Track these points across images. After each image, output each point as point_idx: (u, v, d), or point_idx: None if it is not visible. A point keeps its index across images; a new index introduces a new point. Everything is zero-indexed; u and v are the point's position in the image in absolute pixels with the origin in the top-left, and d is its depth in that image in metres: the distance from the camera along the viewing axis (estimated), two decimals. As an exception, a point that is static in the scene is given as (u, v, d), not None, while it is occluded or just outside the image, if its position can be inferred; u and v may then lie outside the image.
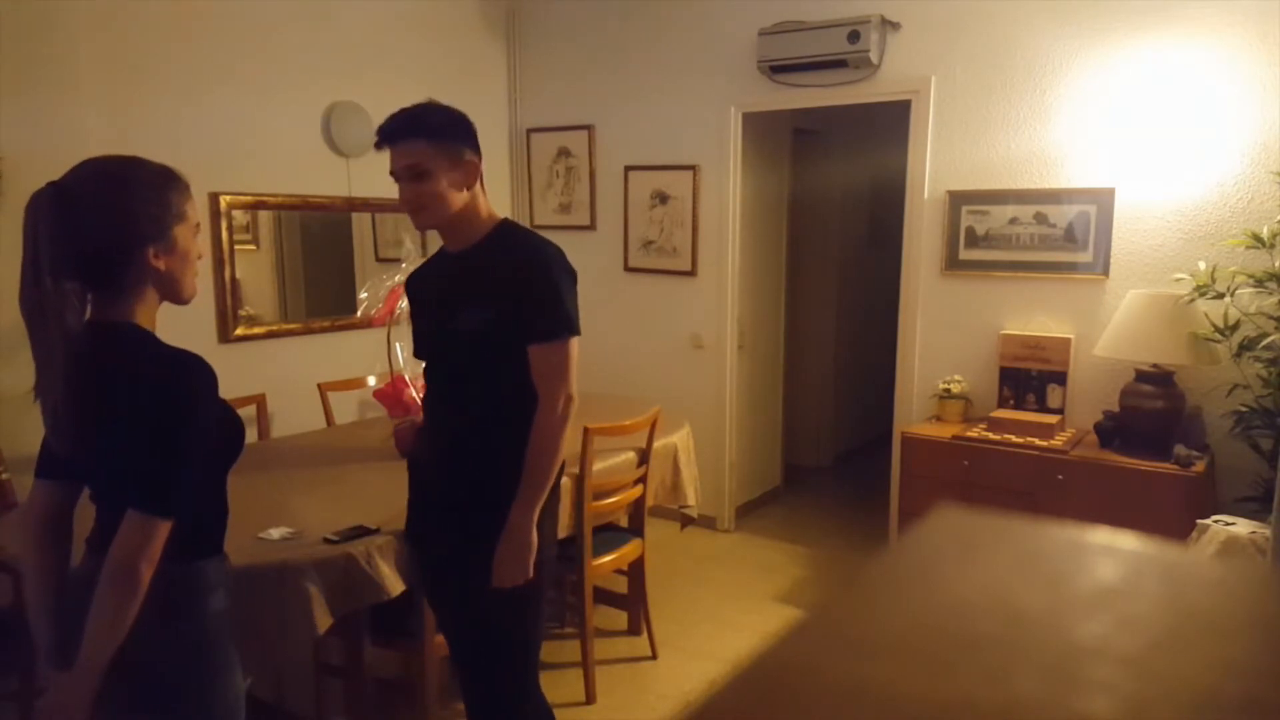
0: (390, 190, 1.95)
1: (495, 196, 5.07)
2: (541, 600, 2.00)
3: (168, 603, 1.38)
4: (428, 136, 1.84)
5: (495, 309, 1.85)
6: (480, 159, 1.93)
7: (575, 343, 1.89)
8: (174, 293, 1.46)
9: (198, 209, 1.52)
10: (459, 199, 1.88)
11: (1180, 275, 3.18)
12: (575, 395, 1.89)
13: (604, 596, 3.42)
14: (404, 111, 1.89)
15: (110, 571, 1.32)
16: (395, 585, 2.29)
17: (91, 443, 1.38)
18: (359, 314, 3.51)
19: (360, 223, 4.29)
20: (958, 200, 3.76)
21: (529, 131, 5.06)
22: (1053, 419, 3.40)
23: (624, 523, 3.30)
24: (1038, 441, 3.29)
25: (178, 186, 1.45)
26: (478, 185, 1.93)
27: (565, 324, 1.86)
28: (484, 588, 1.88)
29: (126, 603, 1.32)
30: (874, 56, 3.82)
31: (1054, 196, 3.54)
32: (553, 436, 1.87)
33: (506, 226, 1.96)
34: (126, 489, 1.34)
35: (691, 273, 4.58)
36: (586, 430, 2.82)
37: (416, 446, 2.11)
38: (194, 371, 1.38)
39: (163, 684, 1.43)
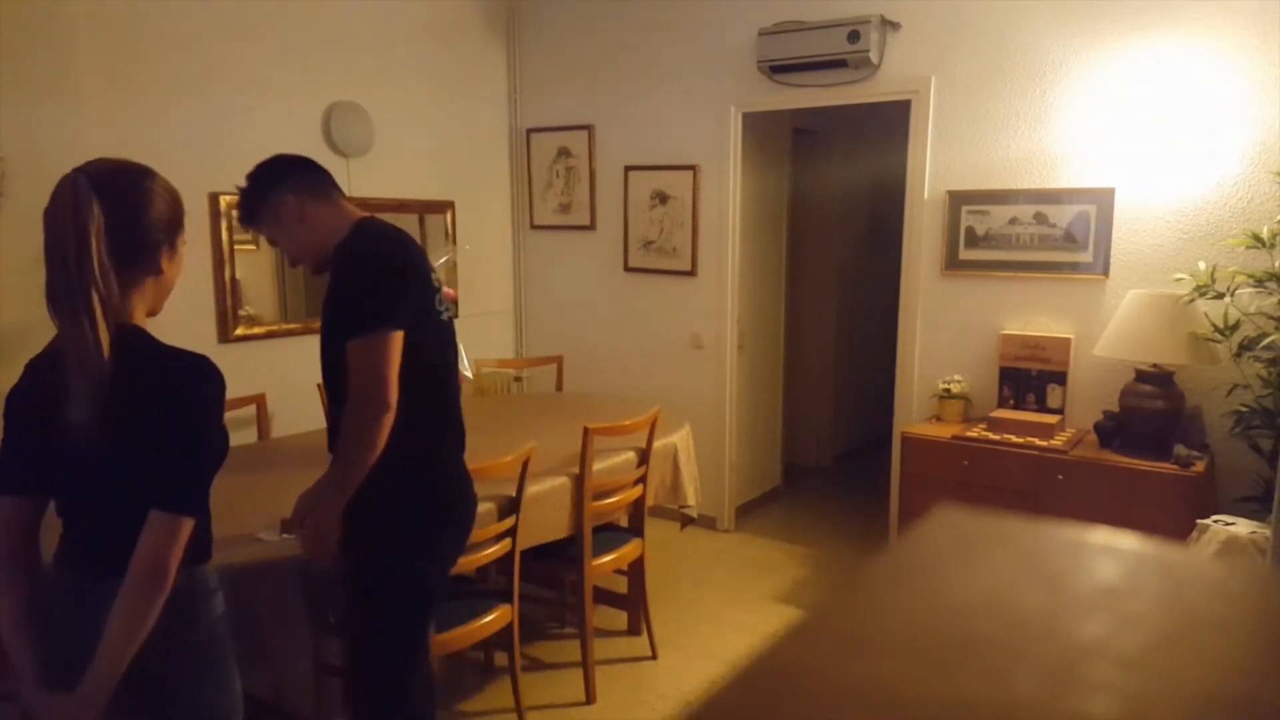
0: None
1: (495, 196, 5.12)
2: (403, 603, 2.01)
3: (175, 609, 1.37)
4: (252, 220, 2.01)
5: (330, 309, 1.92)
6: (294, 186, 1.96)
7: (384, 341, 1.83)
8: (160, 301, 1.50)
9: None
10: (303, 234, 1.98)
11: (1180, 275, 3.18)
12: (386, 398, 1.82)
13: (604, 596, 3.42)
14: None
15: (139, 572, 1.32)
16: (395, 585, 2.29)
17: (111, 444, 1.36)
18: (359, 314, 3.50)
19: (360, 223, 4.29)
20: (958, 200, 3.76)
21: (529, 131, 5.06)
22: (1053, 419, 3.40)
23: (624, 523, 3.30)
24: (1038, 441, 3.29)
25: (182, 203, 1.50)
26: (314, 206, 1.96)
27: (361, 320, 1.84)
28: (351, 570, 2.01)
29: (155, 602, 1.32)
30: (874, 56, 3.82)
31: (1054, 196, 3.54)
32: (351, 435, 1.85)
33: (352, 229, 1.95)
34: (147, 491, 1.34)
35: (691, 273, 4.58)
36: (586, 430, 2.82)
37: None
38: (214, 374, 1.42)
39: (168, 690, 1.42)
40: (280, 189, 1.96)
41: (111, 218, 1.34)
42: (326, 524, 1.90)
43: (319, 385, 3.69)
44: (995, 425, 3.44)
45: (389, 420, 1.83)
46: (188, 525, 1.36)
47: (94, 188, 1.33)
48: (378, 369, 1.82)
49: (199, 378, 1.40)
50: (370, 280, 1.88)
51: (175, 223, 1.46)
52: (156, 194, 1.43)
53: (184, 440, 1.37)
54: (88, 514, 1.42)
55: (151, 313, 1.48)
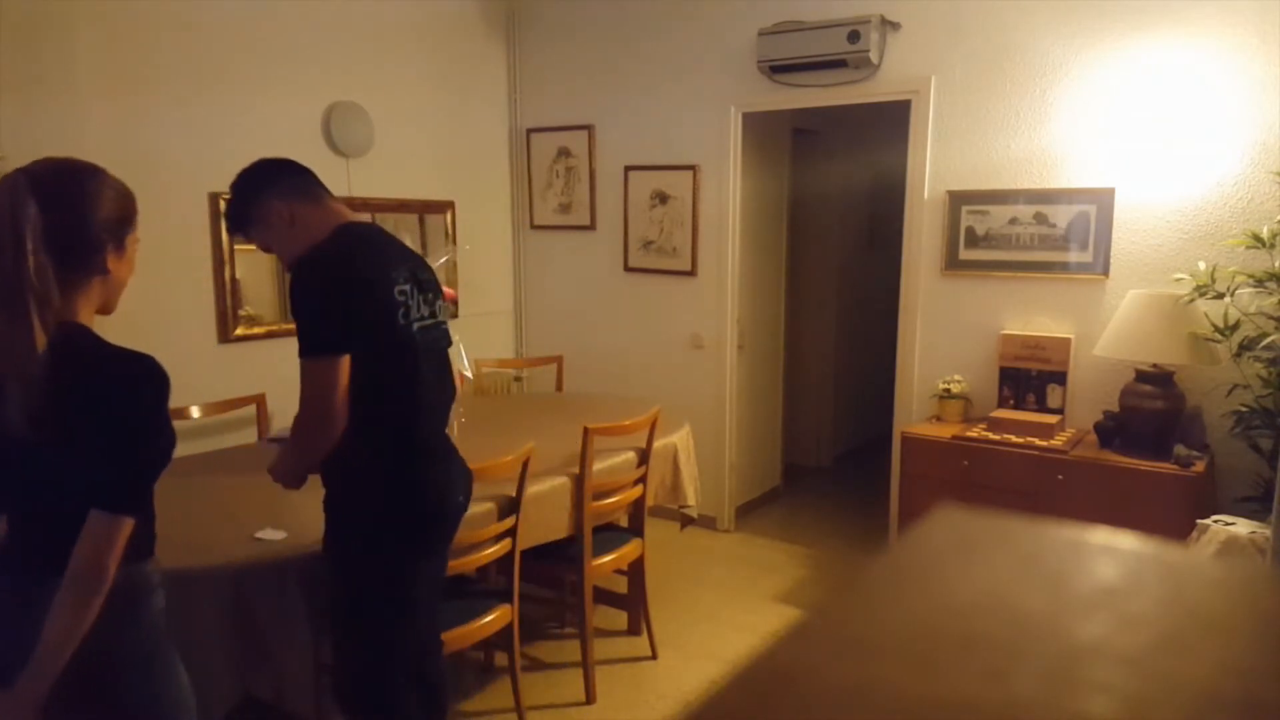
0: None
1: (495, 197, 5.12)
2: (380, 608, 2.02)
3: (117, 606, 1.37)
4: (242, 227, 2.01)
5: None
6: (282, 190, 1.95)
7: (328, 367, 1.84)
8: (111, 301, 1.48)
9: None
10: (295, 238, 1.96)
11: (1180, 275, 3.18)
12: (328, 422, 1.84)
13: (604, 596, 3.42)
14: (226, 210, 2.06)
15: (78, 572, 1.32)
16: (395, 585, 2.29)
17: (51, 444, 1.35)
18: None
19: (360, 223, 4.29)
20: (958, 200, 3.75)
21: (529, 131, 5.06)
22: (1053, 419, 3.40)
23: (624, 523, 3.29)
24: (1038, 441, 3.28)
25: (133, 201, 1.48)
26: (303, 209, 1.96)
27: (307, 343, 1.87)
28: (329, 575, 2.04)
29: (93, 602, 1.32)
30: (874, 56, 3.82)
31: (1054, 196, 3.54)
32: (293, 445, 1.92)
33: (329, 234, 1.95)
34: (88, 489, 1.34)
35: (691, 273, 4.58)
36: (586, 430, 2.82)
37: None
38: (155, 374, 1.40)
39: (111, 687, 1.42)
40: (268, 194, 1.94)
41: (51, 218, 1.33)
42: (277, 459, 2.04)
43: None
44: (995, 425, 3.44)
45: (330, 439, 1.87)
46: (127, 525, 1.35)
47: (31, 187, 1.32)
48: (322, 393, 1.84)
49: (139, 377, 1.39)
50: (317, 300, 1.87)
51: (123, 222, 1.44)
52: (101, 193, 1.41)
53: (123, 440, 1.36)
54: (31, 513, 1.42)
55: (102, 311, 1.47)
